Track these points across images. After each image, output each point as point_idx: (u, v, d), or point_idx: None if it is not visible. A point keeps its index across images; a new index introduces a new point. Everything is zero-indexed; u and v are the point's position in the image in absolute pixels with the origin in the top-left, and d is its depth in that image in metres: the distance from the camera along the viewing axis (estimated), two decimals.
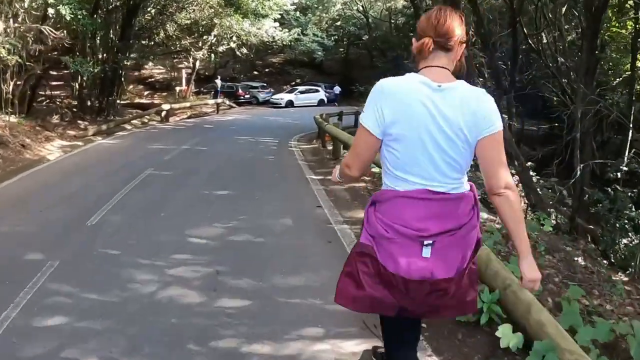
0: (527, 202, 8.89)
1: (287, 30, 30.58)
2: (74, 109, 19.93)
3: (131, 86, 35.34)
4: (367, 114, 1.74)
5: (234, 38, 28.80)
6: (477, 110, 1.69)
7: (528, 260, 1.77)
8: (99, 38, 19.60)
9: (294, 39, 31.48)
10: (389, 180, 1.80)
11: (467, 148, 1.72)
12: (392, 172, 1.78)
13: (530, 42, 14.44)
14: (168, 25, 26.47)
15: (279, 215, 6.10)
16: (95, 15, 18.21)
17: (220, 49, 29.98)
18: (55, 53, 18.90)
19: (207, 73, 38.45)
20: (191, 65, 30.15)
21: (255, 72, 42.49)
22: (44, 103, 22.10)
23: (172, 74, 35.68)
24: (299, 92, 33.03)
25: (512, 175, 12.05)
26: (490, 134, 1.70)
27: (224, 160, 10.46)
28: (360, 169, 1.87)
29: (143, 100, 32.20)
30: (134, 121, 21.03)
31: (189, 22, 26.16)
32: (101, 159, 10.95)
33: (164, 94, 33.88)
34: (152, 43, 32.28)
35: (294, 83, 40.40)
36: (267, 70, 43.31)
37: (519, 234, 1.76)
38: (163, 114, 19.13)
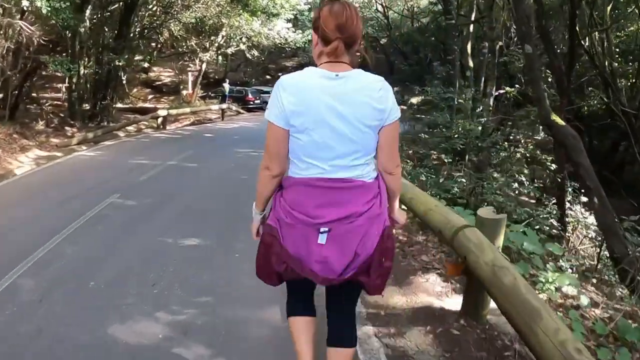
0: (608, 253, 6.65)
1: (300, 31, 28.56)
2: (62, 114, 18.10)
3: (135, 89, 33.65)
4: (270, 109, 1.83)
5: (244, 39, 26.85)
6: (379, 97, 1.79)
7: (397, 209, 2.12)
8: (89, 36, 17.75)
9: (308, 41, 29.38)
10: (293, 166, 1.90)
11: (370, 133, 1.81)
12: (295, 159, 1.87)
13: (582, 43, 12.32)
14: (172, 25, 24.59)
15: (264, 294, 3.36)
16: (84, 10, 16.35)
17: (229, 50, 28.01)
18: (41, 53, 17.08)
19: (216, 76, 36.63)
20: (198, 67, 28.11)
21: (268, 76, 40.54)
22: (35, 107, 20.42)
23: (181, 77, 33.89)
24: None
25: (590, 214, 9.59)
26: (390, 123, 1.83)
27: (211, 183, 8.33)
28: (280, 165, 1.90)
29: (147, 105, 30.42)
30: (129, 127, 19.16)
31: (194, 21, 24.25)
32: (68, 178, 8.98)
33: (171, 97, 32.11)
34: (156, 44, 30.64)
35: None
36: (280, 74, 41.25)
37: (397, 198, 2.07)
38: (159, 120, 17.15)
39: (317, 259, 1.82)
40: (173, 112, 18.81)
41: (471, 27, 12.47)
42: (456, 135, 11.63)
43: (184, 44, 27.30)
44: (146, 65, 20.39)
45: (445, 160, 9.44)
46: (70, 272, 4.27)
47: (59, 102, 23.21)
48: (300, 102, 1.77)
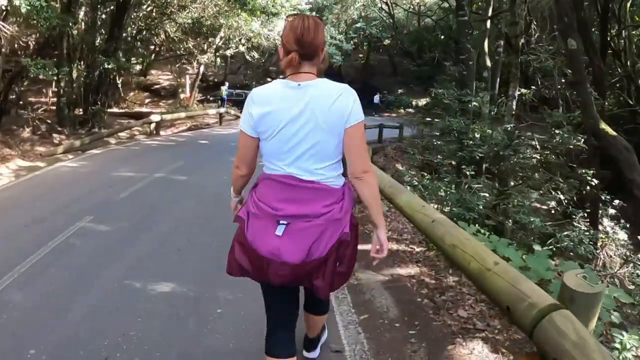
0: None
1: None
2: (49, 121, 17.13)
3: (132, 93, 32.69)
4: (242, 120, 2.08)
5: (243, 40, 25.83)
6: (338, 102, 1.91)
7: (382, 231, 2.10)
8: (77, 38, 16.80)
9: None
10: (265, 167, 2.10)
11: (329, 137, 1.93)
12: (265, 160, 2.08)
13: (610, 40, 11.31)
14: (168, 26, 23.62)
15: None
16: (71, 10, 15.37)
17: (228, 52, 27.00)
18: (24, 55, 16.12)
19: (216, 79, 35.68)
20: (195, 70, 27.12)
21: (269, 79, 39.56)
22: (27, 112, 19.44)
23: (179, 80, 32.92)
24: None
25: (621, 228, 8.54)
26: (352, 125, 1.93)
27: (198, 203, 7.26)
28: (247, 167, 2.18)
29: (143, 109, 29.45)
30: (121, 134, 18.17)
31: (191, 22, 23.26)
32: (42, 194, 7.99)
33: (170, 101, 31.12)
34: (154, 46, 29.71)
35: None
36: (281, 77, 40.27)
37: (377, 209, 2.07)
38: (152, 126, 16.13)
39: (270, 248, 1.91)
40: (167, 117, 17.78)
41: (488, 24, 11.45)
42: (472, 142, 10.59)
43: (181, 46, 26.29)
44: (138, 67, 19.29)
45: (467, 172, 8.38)
46: (8, 334, 3.25)
47: (53, 107, 22.33)
48: (266, 110, 1.94)
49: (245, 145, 2.11)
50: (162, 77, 39.55)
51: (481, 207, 7.07)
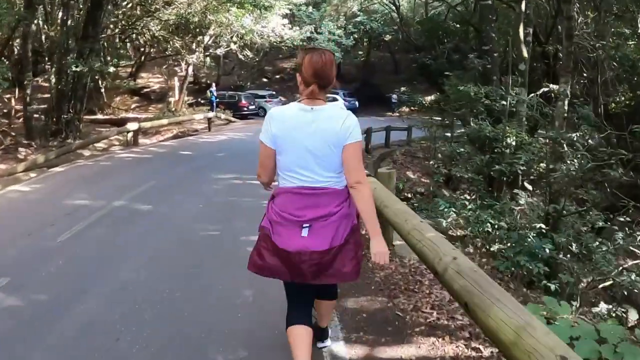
0: None
1: (297, 28, 25.61)
2: (13, 133, 15.20)
3: (118, 98, 30.75)
4: (263, 134, 2.39)
5: (234, 38, 23.89)
6: (342, 125, 2.29)
7: (377, 239, 2.34)
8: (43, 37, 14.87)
9: (306, 38, 26.43)
10: (280, 179, 2.44)
11: (335, 152, 2.31)
12: (281, 173, 2.42)
13: None
14: (151, 24, 21.66)
15: None
16: (34, 6, 13.42)
17: (219, 51, 25.05)
18: None
19: (208, 81, 33.72)
20: (184, 71, 25.18)
21: (265, 79, 37.62)
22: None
23: (170, 82, 30.99)
24: None
25: None
26: (351, 142, 2.30)
27: (157, 258, 5.13)
28: (267, 176, 2.52)
29: (130, 115, 27.51)
30: (98, 144, 16.23)
31: (176, 19, 21.32)
32: None
33: (160, 106, 29.20)
34: (142, 48, 27.79)
35: None
36: (277, 76, 38.43)
37: (371, 217, 2.34)
38: (129, 136, 14.17)
39: (299, 247, 2.27)
40: (146, 125, 15.79)
41: (523, 5, 9.53)
42: (507, 150, 8.65)
43: (167, 46, 24.34)
44: (111, 70, 17.34)
45: (520, 193, 6.41)
46: None
47: (36, 116, 20.42)
48: (282, 128, 2.33)
49: (266, 155, 2.42)
50: (152, 80, 37.59)
51: (547, 250, 5.13)
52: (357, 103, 31.17)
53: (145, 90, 35.62)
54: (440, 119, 16.30)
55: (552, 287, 4.89)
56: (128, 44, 34.44)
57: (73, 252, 5.22)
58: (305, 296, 2.57)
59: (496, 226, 5.58)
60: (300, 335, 2.44)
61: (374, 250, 2.33)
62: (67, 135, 16.52)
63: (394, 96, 33.44)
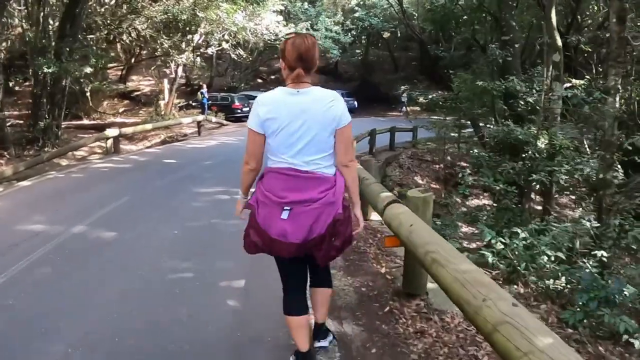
0: None
1: (293, 25, 24.32)
2: None
3: (106, 102, 29.42)
4: (251, 119, 2.41)
5: (226, 36, 22.57)
6: (330, 107, 2.34)
7: (358, 208, 2.59)
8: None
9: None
10: (269, 161, 2.45)
11: (324, 134, 2.35)
12: (269, 155, 2.43)
13: None
14: (137, 22, 20.36)
15: None
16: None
17: (210, 50, 23.73)
18: None
19: (200, 82, 32.36)
20: (173, 73, 23.86)
21: (260, 80, 36.24)
22: None
23: (160, 85, 29.62)
24: None
25: None
26: (343, 126, 2.38)
27: (96, 327, 3.77)
28: (257, 162, 2.48)
29: (117, 119, 26.18)
30: (78, 152, 14.93)
31: (163, 15, 19.99)
32: None
33: (150, 109, 27.80)
34: (130, 49, 26.44)
35: None
36: (272, 77, 37.05)
37: (355, 191, 2.56)
38: (108, 143, 12.84)
39: (278, 231, 2.31)
40: (127, 131, 14.40)
41: None
42: (538, 155, 7.36)
43: (155, 46, 23.02)
44: (88, 70, 16.01)
45: (584, 216, 5.12)
46: None
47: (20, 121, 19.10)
48: (271, 111, 2.35)
49: (254, 141, 2.42)
50: (143, 83, 36.23)
51: (626, 294, 3.86)
52: (356, 103, 29.88)
53: (136, 93, 34.30)
54: (450, 119, 15.03)
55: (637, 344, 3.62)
56: (119, 46, 33.35)
57: None
58: (299, 277, 2.62)
59: (552, 258, 4.30)
60: (300, 326, 2.60)
61: (357, 216, 2.57)
62: (45, 144, 15.21)
63: (404, 95, 32.05)
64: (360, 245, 5.25)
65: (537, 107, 9.34)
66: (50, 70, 12.60)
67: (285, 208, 2.30)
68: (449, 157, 15.55)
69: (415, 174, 14.64)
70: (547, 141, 7.21)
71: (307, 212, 2.30)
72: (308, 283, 2.72)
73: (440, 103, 12.55)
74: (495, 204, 8.50)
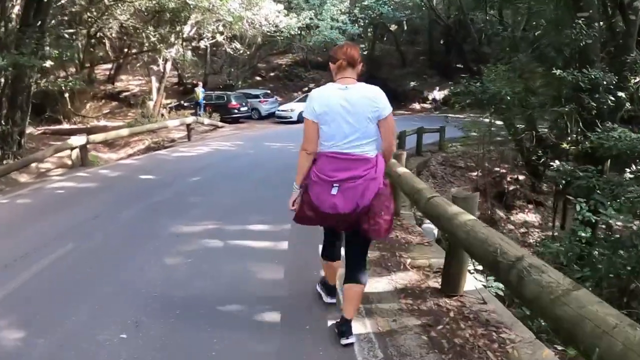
0: None
1: (295, 14, 21.79)
2: None
3: (90, 104, 26.86)
4: (307, 111, 2.83)
5: (220, 27, 20.04)
6: (374, 100, 2.75)
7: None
8: None
9: (306, 26, 22.62)
10: (320, 146, 2.82)
11: (369, 123, 2.75)
12: (322, 141, 2.81)
13: None
14: (119, 12, 17.83)
15: None
16: None
17: (202, 44, 21.20)
18: None
19: (194, 80, 29.83)
20: (161, 69, 21.32)
21: (258, 78, 33.67)
22: None
23: (149, 83, 27.04)
24: None
25: None
26: (385, 116, 2.77)
27: None
28: (313, 147, 2.84)
29: (101, 123, 23.67)
30: (44, 164, 12.35)
31: (150, 4, 17.48)
32: None
33: (140, 111, 25.26)
34: (122, 46, 23.89)
35: (306, 89, 31.38)
36: (272, 74, 34.49)
37: (389, 155, 2.99)
38: (74, 154, 10.29)
39: (329, 205, 2.72)
40: (97, 138, 11.74)
41: None
42: None
43: (142, 40, 20.49)
44: (47, 64, 13.43)
45: None
46: None
47: None
48: (323, 105, 2.76)
49: (311, 128, 2.81)
50: (132, 83, 33.68)
51: None
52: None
53: (125, 94, 31.77)
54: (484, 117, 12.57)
55: None
56: (107, 44, 30.89)
57: None
58: (338, 236, 3.13)
59: None
60: (332, 268, 3.24)
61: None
62: (4, 155, 12.68)
63: (436, 93, 30.11)
64: None
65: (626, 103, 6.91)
66: (3, 62, 10.04)
67: (334, 185, 2.72)
68: (486, 163, 13.04)
69: (450, 183, 12.18)
70: None
71: (353, 187, 2.70)
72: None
73: (485, 102, 10.05)
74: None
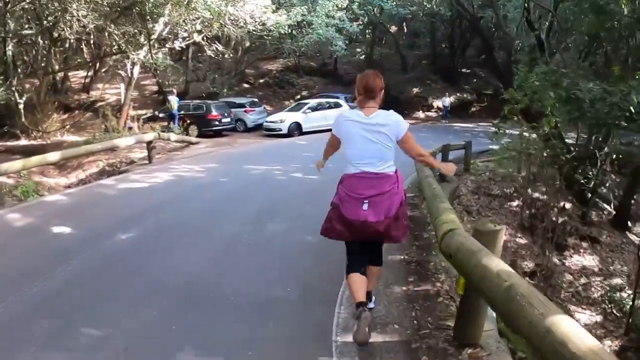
0: None
1: (285, 11, 18.94)
2: None
3: (55, 115, 23.72)
4: (334, 128, 3.35)
5: (197, 26, 17.14)
6: (391, 124, 3.19)
7: (437, 162, 3.76)
8: None
9: (297, 24, 19.75)
10: (347, 167, 3.29)
11: (387, 148, 3.20)
12: (349, 163, 3.27)
13: None
14: (75, 6, 14.90)
15: None
16: None
17: (177, 44, 18.27)
18: None
19: (173, 89, 26.89)
20: (128, 74, 18.39)
21: (246, 85, 30.73)
22: None
23: (126, 92, 24.02)
24: (309, 108, 20.43)
25: None
26: (402, 136, 3.21)
27: None
28: (334, 149, 3.56)
29: (65, 137, 20.66)
30: None
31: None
32: None
33: (103, 124, 22.17)
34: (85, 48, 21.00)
35: (299, 97, 28.41)
36: (261, 81, 31.58)
37: (431, 160, 3.47)
38: None
39: (361, 218, 3.15)
40: (13, 167, 8.71)
41: None
42: None
43: (109, 41, 17.59)
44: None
45: None
46: None
47: None
48: (347, 130, 3.25)
49: (334, 141, 3.41)
50: (109, 92, 30.73)
51: None
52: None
53: (100, 103, 28.80)
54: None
55: None
56: (85, 50, 28.10)
57: None
58: (362, 254, 3.40)
59: None
60: (358, 280, 3.30)
61: (441, 166, 3.69)
62: None
63: (446, 100, 27.80)
64: None
65: None
66: None
67: (365, 201, 3.16)
68: (530, 191, 10.14)
69: (487, 216, 9.26)
70: None
71: (381, 202, 3.17)
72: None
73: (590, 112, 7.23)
74: None
